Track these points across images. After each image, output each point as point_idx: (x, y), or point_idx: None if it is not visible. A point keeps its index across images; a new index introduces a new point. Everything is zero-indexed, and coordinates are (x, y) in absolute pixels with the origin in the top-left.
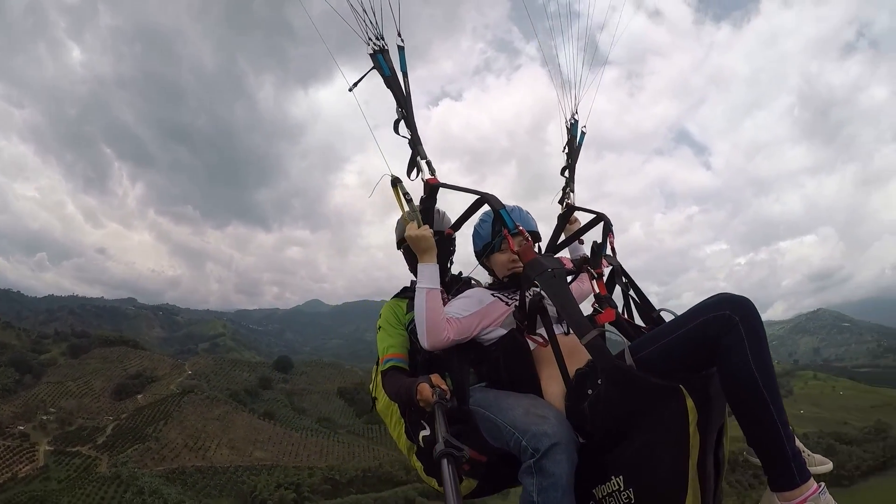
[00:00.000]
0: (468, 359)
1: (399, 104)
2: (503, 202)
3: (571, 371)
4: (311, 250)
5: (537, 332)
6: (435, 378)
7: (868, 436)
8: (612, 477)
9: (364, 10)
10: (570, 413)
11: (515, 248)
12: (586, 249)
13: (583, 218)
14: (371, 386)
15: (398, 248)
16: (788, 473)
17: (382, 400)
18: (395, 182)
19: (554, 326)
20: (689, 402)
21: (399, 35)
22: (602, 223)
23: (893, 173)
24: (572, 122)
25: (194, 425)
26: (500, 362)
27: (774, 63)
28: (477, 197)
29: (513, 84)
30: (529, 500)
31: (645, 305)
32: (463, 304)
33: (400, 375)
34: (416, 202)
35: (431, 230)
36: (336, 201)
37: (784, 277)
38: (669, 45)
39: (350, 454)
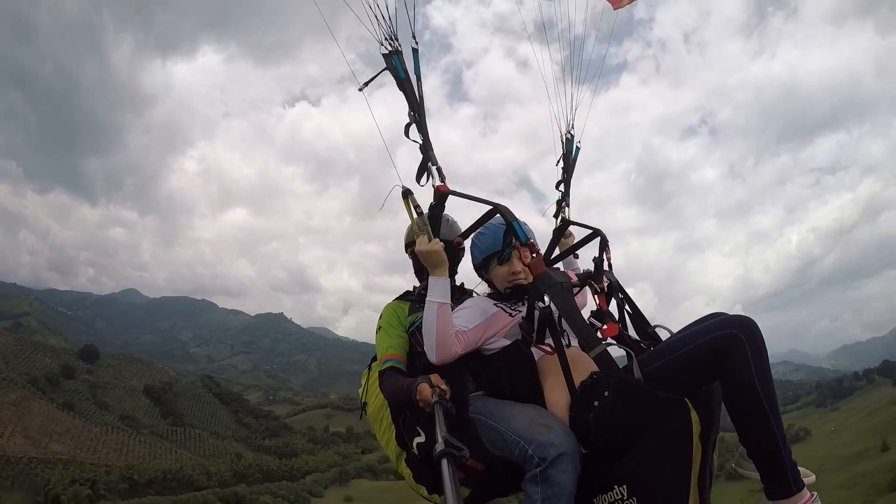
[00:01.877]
0: (467, 367)
1: (412, 108)
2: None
3: (575, 382)
4: (135, 234)
5: (544, 343)
6: (435, 378)
7: None
8: (616, 486)
9: (378, 7)
10: (573, 423)
11: (527, 261)
12: (580, 264)
13: (578, 233)
14: (361, 391)
15: (405, 250)
16: (786, 483)
17: (373, 405)
18: (406, 193)
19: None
20: (694, 415)
21: (414, 37)
22: (598, 238)
23: (710, 243)
24: (568, 136)
25: None
26: (503, 372)
27: (621, 131)
28: (490, 207)
29: (373, 101)
30: None
31: (640, 321)
32: (467, 315)
33: (398, 376)
34: (425, 209)
35: (442, 244)
36: (171, 186)
37: None
38: (528, 96)
39: (151, 455)
